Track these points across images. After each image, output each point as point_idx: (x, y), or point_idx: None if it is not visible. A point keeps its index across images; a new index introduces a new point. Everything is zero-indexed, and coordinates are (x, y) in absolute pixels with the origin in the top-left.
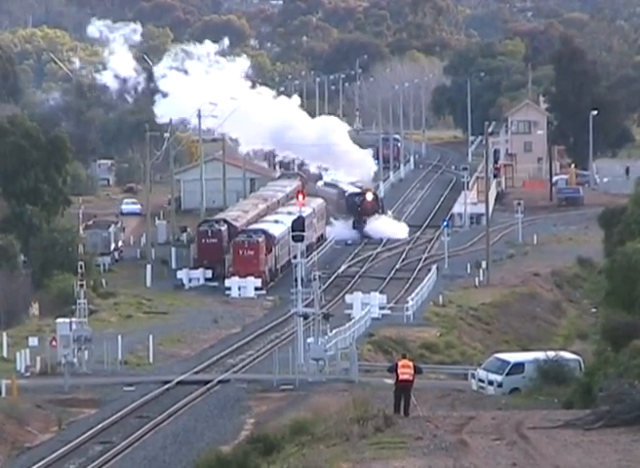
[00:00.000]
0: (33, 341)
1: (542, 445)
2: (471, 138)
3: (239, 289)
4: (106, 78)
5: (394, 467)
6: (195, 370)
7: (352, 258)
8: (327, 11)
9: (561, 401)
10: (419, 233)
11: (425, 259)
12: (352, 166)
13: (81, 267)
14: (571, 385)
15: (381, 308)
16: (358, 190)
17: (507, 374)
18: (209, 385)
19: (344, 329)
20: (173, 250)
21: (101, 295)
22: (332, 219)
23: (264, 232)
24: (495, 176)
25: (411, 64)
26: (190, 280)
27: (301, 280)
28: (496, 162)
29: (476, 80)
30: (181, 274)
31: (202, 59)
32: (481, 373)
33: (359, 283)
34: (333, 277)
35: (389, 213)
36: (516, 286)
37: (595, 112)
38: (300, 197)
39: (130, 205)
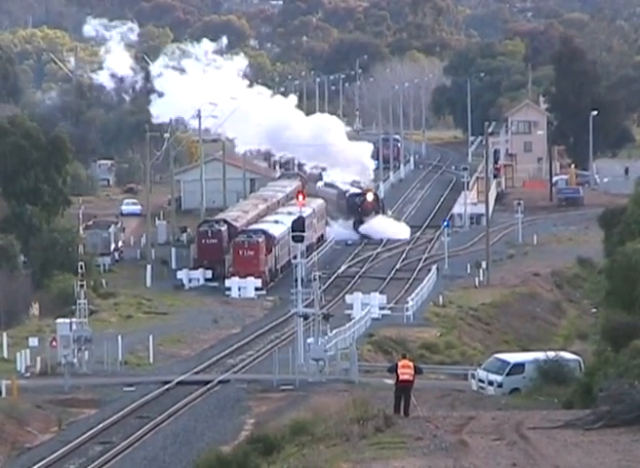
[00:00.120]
0: (33, 342)
1: (542, 445)
2: (471, 139)
3: (239, 289)
4: (103, 77)
5: (394, 467)
6: (195, 370)
7: (352, 259)
8: (327, 11)
9: (561, 401)
10: (419, 233)
11: (425, 260)
12: (348, 165)
13: (81, 267)
14: (571, 385)
15: (381, 308)
16: (359, 190)
17: (507, 375)
18: (209, 385)
19: (344, 329)
20: (173, 250)
21: (102, 296)
22: (330, 220)
23: (264, 232)
24: (495, 177)
25: (411, 64)
26: (190, 280)
27: (301, 280)
28: (496, 162)
29: (476, 80)
30: (181, 274)
31: (199, 58)
32: (481, 374)
33: (359, 283)
34: (333, 277)
35: (389, 213)
36: (516, 286)
37: (595, 112)
38: (300, 197)
39: (130, 205)
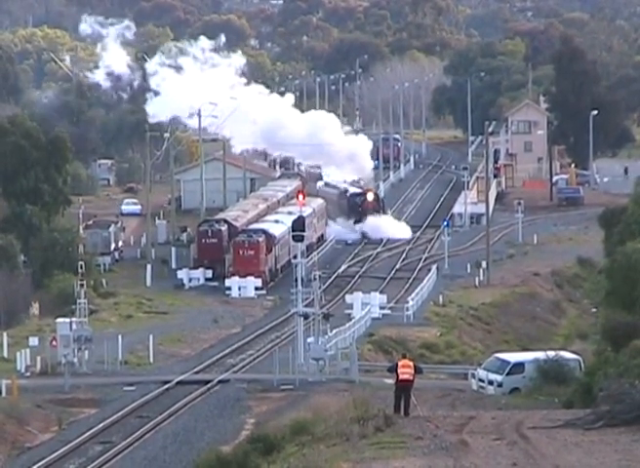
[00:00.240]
0: (33, 341)
1: (543, 444)
2: (471, 138)
3: (239, 288)
4: (99, 76)
5: (394, 467)
6: (195, 369)
7: (352, 258)
8: (327, 11)
9: (561, 401)
10: (419, 233)
11: (425, 259)
12: (344, 163)
13: (81, 267)
14: (571, 385)
15: (382, 308)
16: (359, 190)
17: (507, 374)
18: (209, 385)
19: (345, 328)
20: (173, 249)
21: (102, 295)
22: (330, 221)
23: (265, 232)
24: (495, 176)
25: (411, 64)
26: (190, 280)
27: (302, 280)
28: (496, 162)
29: (476, 80)
30: (182, 274)
31: (196, 56)
32: (481, 373)
33: (359, 283)
34: (333, 277)
35: (389, 213)
36: (516, 286)
37: (595, 112)
38: (301, 197)
39: (130, 205)
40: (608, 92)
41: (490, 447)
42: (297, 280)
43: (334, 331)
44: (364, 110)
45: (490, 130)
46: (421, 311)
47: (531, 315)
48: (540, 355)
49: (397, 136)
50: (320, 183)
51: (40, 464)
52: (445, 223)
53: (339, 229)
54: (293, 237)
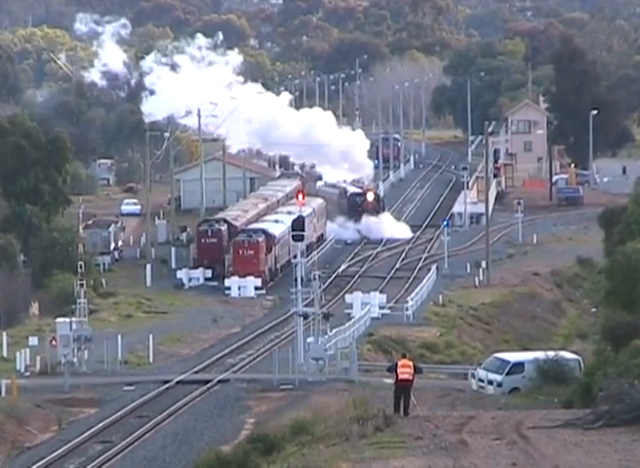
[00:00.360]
0: (33, 341)
1: (542, 444)
2: (471, 138)
3: (239, 288)
4: (94, 75)
5: (394, 467)
6: (195, 369)
7: (352, 258)
8: (327, 10)
9: (561, 400)
10: (418, 233)
11: (425, 259)
12: (338, 162)
13: (81, 267)
14: (571, 385)
15: (381, 308)
16: (359, 190)
17: (507, 374)
18: (209, 385)
19: (344, 328)
20: (173, 249)
21: (101, 295)
22: (330, 222)
23: (264, 232)
24: (495, 176)
25: (411, 64)
26: (190, 280)
27: (301, 279)
28: (496, 162)
29: (476, 80)
30: (181, 274)
31: (193, 54)
32: (481, 373)
33: (359, 282)
34: (333, 277)
35: (388, 212)
36: (516, 285)
37: (595, 112)
38: (300, 197)
39: (130, 206)
40: (608, 92)
41: (489, 446)
42: (296, 280)
43: (333, 331)
44: (364, 110)
45: (490, 130)
46: (421, 311)
47: (531, 315)
48: (540, 355)
49: (397, 135)
50: (320, 183)
51: (40, 464)
52: (445, 223)
53: (334, 228)
54: (292, 237)
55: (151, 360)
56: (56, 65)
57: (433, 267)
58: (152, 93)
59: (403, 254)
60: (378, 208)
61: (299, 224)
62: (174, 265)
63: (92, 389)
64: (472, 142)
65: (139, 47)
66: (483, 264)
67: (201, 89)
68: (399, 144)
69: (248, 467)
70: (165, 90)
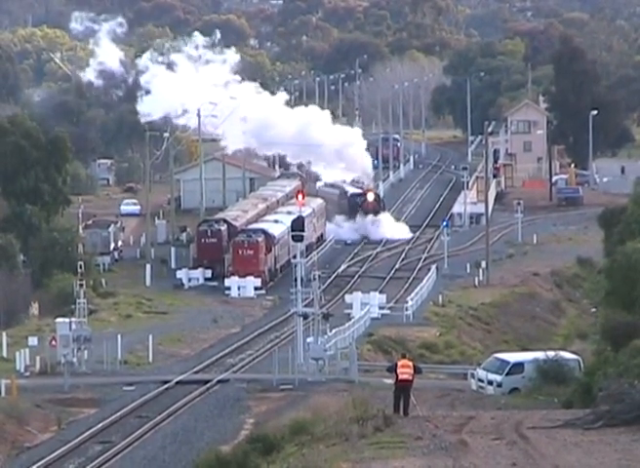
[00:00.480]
0: (33, 341)
1: (542, 444)
2: (471, 138)
3: (239, 288)
4: (90, 74)
5: (394, 467)
6: (195, 369)
7: (352, 258)
8: (327, 11)
9: (561, 401)
10: (418, 233)
11: (425, 259)
12: (333, 160)
13: (81, 267)
14: (570, 385)
15: (381, 308)
16: (359, 190)
17: (507, 374)
18: (208, 385)
19: (344, 328)
20: (172, 249)
21: (101, 295)
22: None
23: (264, 232)
24: (494, 176)
25: (411, 64)
26: (190, 280)
27: (301, 280)
28: (495, 162)
29: (476, 80)
30: (181, 274)
31: (189, 53)
32: (481, 373)
33: (359, 283)
34: (332, 277)
35: (388, 213)
36: (516, 285)
37: (595, 112)
38: (300, 197)
39: (130, 206)
40: (608, 91)
41: (489, 447)
42: (296, 280)
43: (333, 331)
44: (364, 110)
45: (489, 130)
46: (421, 311)
47: (530, 315)
48: (540, 355)
49: (397, 135)
50: (320, 183)
51: (40, 464)
52: (444, 223)
53: (332, 228)
54: (292, 237)
55: (151, 360)
56: (55, 65)
57: (433, 267)
58: (148, 92)
59: (403, 255)
60: (378, 208)
61: (298, 224)
62: (173, 265)
63: (91, 389)
64: (472, 142)
65: (138, 47)
66: (483, 264)
67: (197, 88)
68: (399, 144)
69: (247, 467)
70: (161, 89)
